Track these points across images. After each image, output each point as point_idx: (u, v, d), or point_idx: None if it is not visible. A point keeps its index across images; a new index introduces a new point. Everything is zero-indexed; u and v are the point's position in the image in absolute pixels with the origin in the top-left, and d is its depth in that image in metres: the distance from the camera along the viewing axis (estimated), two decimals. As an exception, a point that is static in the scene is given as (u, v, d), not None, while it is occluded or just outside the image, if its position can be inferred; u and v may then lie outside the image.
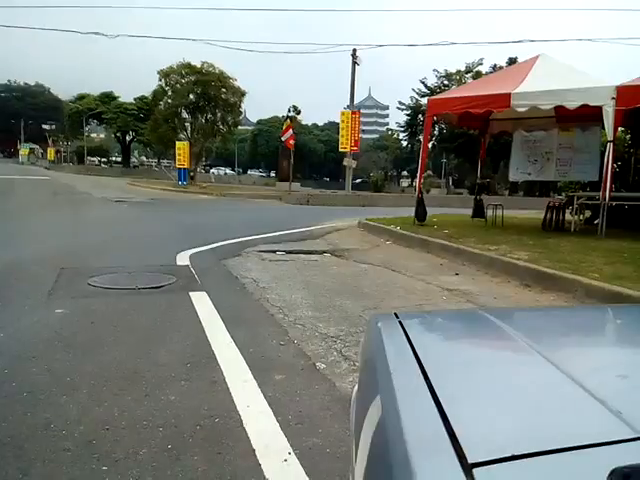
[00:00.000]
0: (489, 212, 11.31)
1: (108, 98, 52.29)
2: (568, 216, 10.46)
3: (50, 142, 61.55)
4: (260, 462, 2.17)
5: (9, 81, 75.66)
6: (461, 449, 0.59)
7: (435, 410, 0.69)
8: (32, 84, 75.94)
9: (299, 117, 55.52)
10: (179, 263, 6.48)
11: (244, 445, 2.30)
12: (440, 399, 0.72)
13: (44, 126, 64.83)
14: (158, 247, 7.79)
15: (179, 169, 29.38)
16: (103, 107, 50.80)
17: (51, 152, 58.68)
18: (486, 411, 0.74)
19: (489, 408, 0.76)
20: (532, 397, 0.79)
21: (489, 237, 8.55)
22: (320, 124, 74.04)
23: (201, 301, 4.70)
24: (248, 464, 2.16)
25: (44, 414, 2.48)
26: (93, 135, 71.95)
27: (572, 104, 8.30)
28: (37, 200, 16.06)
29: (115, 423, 2.42)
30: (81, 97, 54.08)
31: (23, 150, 63.22)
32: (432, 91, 35.31)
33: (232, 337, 3.72)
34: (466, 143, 32.51)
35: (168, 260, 6.59)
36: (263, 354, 3.44)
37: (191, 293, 4.95)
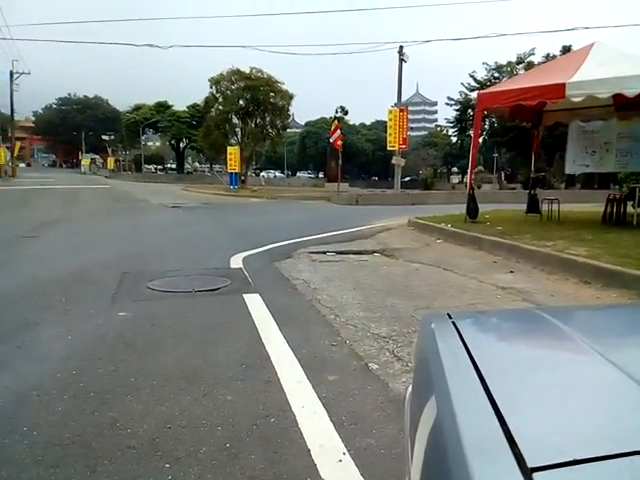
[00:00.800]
0: (544, 207, 10.91)
1: (163, 107, 54.08)
2: (630, 209, 9.94)
3: (110, 152, 64.39)
4: (315, 462, 2.20)
5: (70, 94, 79.69)
6: (520, 452, 0.58)
7: (492, 412, 0.69)
8: (91, 97, 79.70)
9: (346, 117, 55.54)
10: (233, 266, 6.63)
11: (299, 445, 2.33)
12: (497, 401, 0.71)
13: (103, 137, 67.86)
14: (212, 250, 8.00)
15: (230, 173, 29.98)
16: (158, 116, 52.59)
17: (111, 161, 61.34)
18: (545, 413, 0.73)
19: (548, 410, 0.74)
20: (593, 399, 0.77)
21: (545, 233, 8.25)
22: (367, 123, 73.66)
23: (254, 303, 4.80)
24: (304, 464, 2.19)
25: (110, 413, 2.60)
26: (149, 143, 74.67)
27: (631, 91, 7.88)
28: (100, 208, 16.84)
29: (176, 422, 2.52)
30: (137, 107, 56.22)
31: (85, 160, 66.38)
32: (482, 85, 34.39)
33: (285, 338, 3.78)
34: (518, 136, 31.44)
35: (222, 263, 6.75)
36: (316, 355, 3.47)
37: (245, 295, 5.06)
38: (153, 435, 2.39)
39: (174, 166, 71.40)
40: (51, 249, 8.03)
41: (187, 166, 74.21)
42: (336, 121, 32.16)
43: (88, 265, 6.44)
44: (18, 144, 51.68)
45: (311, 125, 67.58)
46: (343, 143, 28.56)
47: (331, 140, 27.95)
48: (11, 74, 44.32)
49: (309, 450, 2.29)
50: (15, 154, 47.54)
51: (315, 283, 5.67)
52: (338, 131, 27.21)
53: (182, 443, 2.33)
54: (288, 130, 44.21)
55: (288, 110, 34.39)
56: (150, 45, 25.50)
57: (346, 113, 54.21)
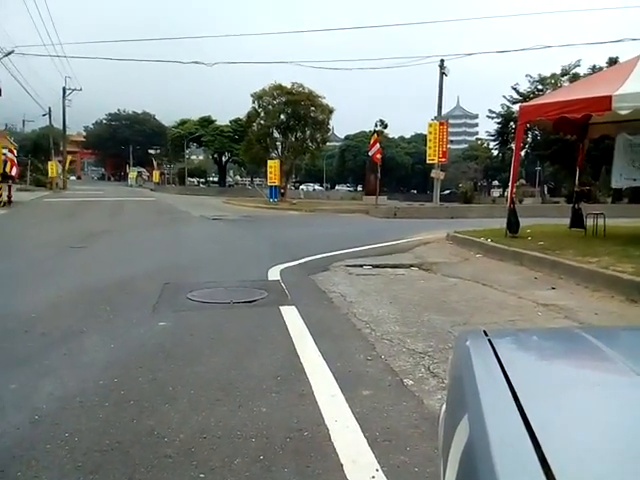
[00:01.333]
0: (589, 221, 10.55)
1: (206, 122, 55.40)
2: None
3: (155, 165, 66.31)
4: (348, 477, 2.19)
5: (119, 110, 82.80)
6: (553, 478, 0.57)
7: (525, 434, 0.67)
8: (140, 112, 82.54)
9: (386, 131, 55.46)
10: (270, 278, 6.69)
11: (332, 459, 2.33)
12: (531, 422, 0.70)
13: (150, 151, 70.17)
14: (251, 263, 8.11)
15: (270, 187, 30.36)
16: (202, 131, 53.88)
17: (156, 175, 63.16)
18: (581, 438, 0.71)
19: (584, 435, 0.72)
20: (634, 427, 0.74)
21: (589, 248, 7.97)
22: (407, 136, 73.30)
23: (291, 315, 4.83)
24: (336, 479, 2.18)
25: (148, 421, 2.66)
26: (193, 157, 76.57)
27: (681, 104, 7.57)
28: (144, 220, 17.36)
29: (212, 432, 2.56)
30: (182, 122, 57.81)
31: (131, 173, 68.66)
32: (524, 97, 33.71)
33: (320, 351, 3.78)
34: (562, 149, 30.58)
35: (260, 275, 6.83)
36: (350, 369, 3.46)
37: (281, 307, 5.10)
38: (189, 444, 2.43)
39: (216, 179, 72.82)
40: (97, 259, 8.32)
41: (229, 179, 75.63)
42: (375, 134, 32.14)
43: (131, 275, 6.64)
44: (69, 158, 53.95)
45: (350, 139, 67.79)
46: (382, 156, 28.50)
47: (370, 153, 27.93)
48: (64, 90, 46.51)
49: (342, 465, 2.28)
50: (66, 167, 49.63)
51: (351, 296, 5.66)
52: (377, 144, 27.17)
53: (217, 453, 2.36)
54: (328, 144, 44.49)
55: (328, 124, 34.61)
56: (196, 62, 26.28)
57: (385, 127, 54.19)
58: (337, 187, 73.77)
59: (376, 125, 51.20)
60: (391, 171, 57.58)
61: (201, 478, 2.17)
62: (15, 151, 25.43)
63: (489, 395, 0.83)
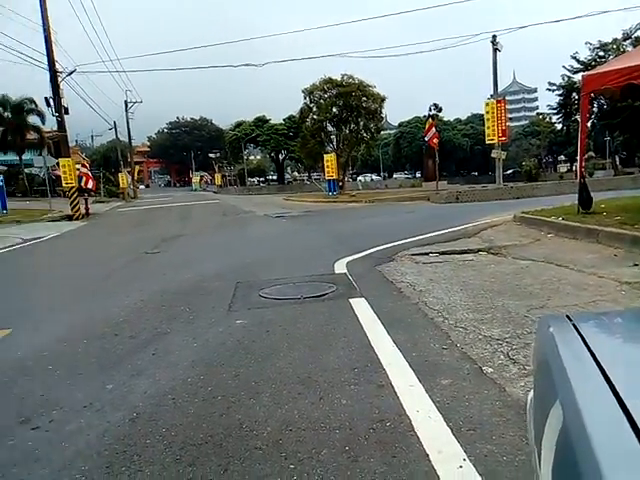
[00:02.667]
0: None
1: (261, 122, 56.42)
2: None
3: (216, 168, 68.36)
4: (435, 467, 2.20)
5: (178, 118, 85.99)
6: None
7: (624, 420, 0.67)
8: (197, 118, 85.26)
9: (441, 114, 54.14)
10: (337, 271, 6.76)
11: (417, 450, 2.35)
12: (629, 407, 0.70)
13: (210, 155, 72.36)
14: (316, 257, 8.21)
15: (328, 180, 30.51)
16: (258, 131, 54.97)
17: (218, 177, 65.09)
18: None
19: None
20: None
21: (675, 221, 7.46)
22: (463, 118, 71.07)
23: (361, 307, 4.87)
24: (423, 469, 2.21)
25: (236, 415, 2.80)
26: (251, 157, 78.16)
27: None
28: (211, 222, 17.96)
29: (296, 424, 2.65)
30: (238, 124, 59.15)
31: (195, 178, 71.10)
32: (586, 66, 31.86)
33: (394, 341, 3.80)
34: (632, 116, 28.63)
35: (327, 269, 6.91)
36: (426, 358, 3.46)
37: (351, 300, 5.15)
38: (276, 437, 2.54)
39: (275, 177, 74.03)
40: (172, 263, 8.71)
41: (287, 176, 76.63)
42: (430, 119, 31.51)
43: (205, 276, 6.92)
44: (137, 167, 56.64)
45: (404, 125, 66.64)
46: (439, 140, 27.89)
47: (426, 139, 27.44)
48: (126, 104, 48.82)
49: (427, 455, 2.30)
50: (135, 177, 52.19)
51: (420, 285, 5.62)
52: (433, 129, 26.64)
53: (303, 445, 2.45)
54: (382, 132, 44.06)
55: (381, 112, 34.26)
56: (247, 64, 26.73)
57: (440, 110, 52.92)
58: (395, 175, 72.86)
59: (430, 109, 50.15)
60: (449, 155, 56.19)
61: (291, 469, 2.26)
62: (88, 165, 27.01)
63: (580, 380, 0.83)
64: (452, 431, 2.47)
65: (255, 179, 75.54)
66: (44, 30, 21.01)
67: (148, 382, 3.32)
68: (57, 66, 21.69)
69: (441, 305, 4.75)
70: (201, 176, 71.88)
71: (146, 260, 9.15)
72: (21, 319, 5.18)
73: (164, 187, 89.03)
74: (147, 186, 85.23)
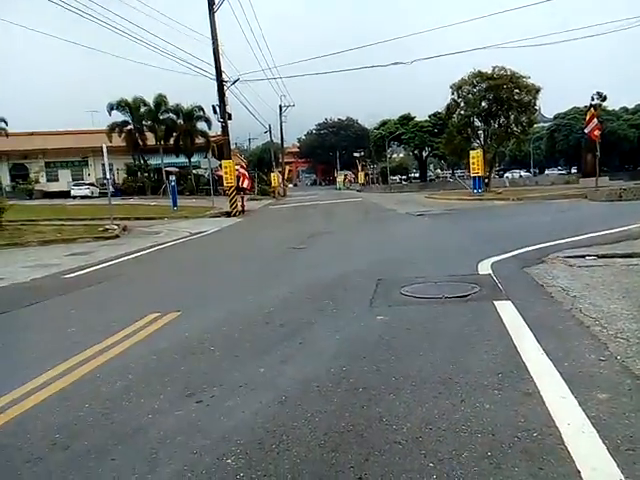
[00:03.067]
0: None
1: (406, 120, 56.14)
2: None
3: (360, 167, 69.53)
4: (587, 485, 2.06)
5: (326, 119, 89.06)
6: None
7: None
8: (344, 119, 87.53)
9: (604, 103, 48.78)
10: (481, 272, 6.52)
11: (567, 465, 2.22)
12: None
13: (355, 154, 73.74)
14: (459, 257, 7.99)
15: (473, 177, 29.28)
16: (402, 129, 54.81)
17: (361, 176, 66.18)
18: None
19: None
20: None
21: None
22: (630, 107, 62.98)
23: (506, 310, 4.66)
24: (574, 485, 2.07)
25: (377, 409, 2.88)
26: (394, 156, 78.12)
27: None
28: (353, 219, 18.40)
29: (437, 424, 2.65)
30: (383, 123, 59.54)
31: (339, 177, 73.10)
32: None
33: (543, 348, 3.59)
34: None
35: (470, 269, 6.70)
36: (581, 369, 3.21)
37: (496, 302, 4.95)
38: (416, 434, 2.56)
39: (417, 175, 73.06)
40: (317, 258, 9.13)
41: (429, 173, 75.22)
42: (592, 109, 28.55)
43: (347, 272, 7.14)
44: (287, 168, 60.05)
45: (561, 117, 61.10)
46: (601, 132, 25.17)
47: (586, 131, 24.93)
48: (280, 108, 52.02)
49: (579, 472, 2.15)
50: (285, 177, 55.41)
51: (574, 290, 5.19)
52: (595, 120, 24.12)
53: (444, 445, 2.44)
54: (534, 126, 40.97)
55: (534, 105, 31.90)
56: (395, 63, 26.86)
57: (604, 99, 47.67)
58: (547, 171, 67.21)
59: (592, 99, 45.45)
60: (612, 148, 50.23)
61: (430, 467, 2.27)
62: (245, 166, 29.33)
63: None
64: (608, 449, 2.28)
65: (397, 177, 75.28)
66: (213, 43, 23.23)
67: (295, 369, 3.56)
68: (223, 76, 23.85)
69: (599, 313, 4.35)
70: (345, 175, 73.61)
71: (294, 255, 9.69)
72: (188, 303, 5.85)
73: (310, 186, 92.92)
74: (295, 185, 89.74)
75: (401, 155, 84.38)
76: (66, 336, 4.80)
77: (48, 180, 45.50)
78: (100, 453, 2.58)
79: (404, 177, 78.44)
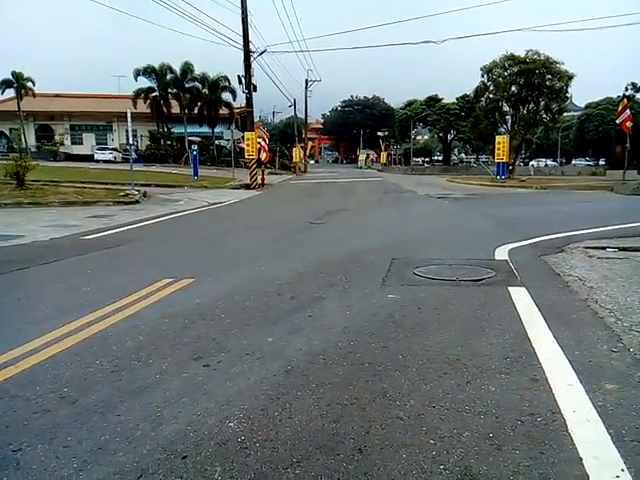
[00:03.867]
0: None
1: (433, 101, 55.26)
2: None
3: (383, 147, 68.93)
4: (588, 473, 2.05)
5: (352, 96, 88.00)
6: None
7: None
8: (370, 97, 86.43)
9: (638, 95, 47.24)
10: (497, 257, 6.44)
11: (569, 451, 2.20)
12: None
13: (378, 133, 73.07)
14: (476, 241, 7.90)
15: (498, 163, 28.79)
16: (428, 110, 54.00)
17: (383, 156, 65.58)
18: None
19: None
20: None
21: None
22: (665, 98, 60.81)
23: (520, 296, 4.61)
24: (574, 472, 2.06)
25: (381, 384, 2.88)
26: (418, 137, 77.07)
27: None
28: (372, 198, 18.28)
29: (440, 403, 2.64)
30: (409, 103, 58.69)
31: (361, 156, 72.53)
32: None
33: (554, 337, 3.55)
34: None
35: (486, 254, 6.62)
36: (591, 359, 3.17)
37: (510, 288, 4.90)
38: (419, 411, 2.56)
39: (440, 158, 72.16)
40: (332, 234, 9.11)
41: (453, 157, 74.18)
42: (625, 100, 27.69)
43: (362, 249, 7.11)
44: (310, 144, 59.70)
45: (592, 107, 59.39)
46: (633, 124, 24.46)
47: (618, 121, 24.31)
48: (306, 82, 51.41)
49: (581, 459, 2.14)
50: (307, 152, 55.10)
51: (592, 281, 5.11)
52: (627, 111, 23.47)
53: (445, 424, 2.44)
54: (564, 114, 39.96)
55: (566, 92, 31.09)
56: (426, 42, 26.22)
57: (638, 90, 46.12)
58: (574, 162, 65.66)
59: (626, 89, 44.01)
60: (643, 140, 48.79)
61: (431, 443, 2.27)
62: (267, 139, 29.22)
63: None
64: (612, 438, 2.26)
65: (420, 159, 74.40)
66: (242, 13, 22.93)
67: (303, 340, 3.57)
68: (250, 46, 23.61)
69: (615, 305, 4.27)
70: (367, 154, 72.98)
71: (310, 229, 9.68)
72: (202, 271, 5.89)
73: (332, 163, 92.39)
74: (317, 161, 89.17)
75: (425, 137, 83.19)
76: (81, 295, 4.88)
77: (72, 143, 45.87)
78: (106, 408, 2.63)
79: (427, 159, 77.50)
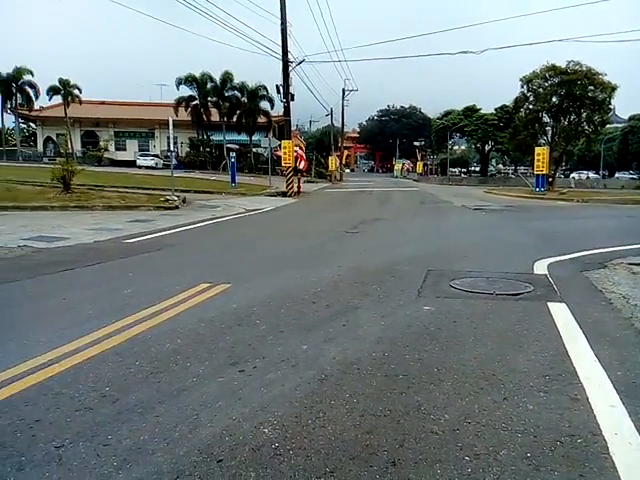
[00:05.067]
0: None
1: (470, 111, 54.66)
2: None
3: (419, 157, 68.41)
4: (630, 497, 1.98)
5: (388, 106, 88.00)
6: None
7: None
8: (407, 107, 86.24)
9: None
10: (537, 272, 6.30)
11: (610, 475, 2.14)
12: None
13: (415, 143, 72.61)
14: (514, 254, 7.75)
15: (537, 175, 28.11)
16: (466, 120, 53.44)
17: (419, 166, 65.16)
18: None
19: None
20: None
21: None
22: None
23: (560, 313, 4.50)
24: (615, 496, 2.00)
25: (415, 397, 2.86)
26: (455, 147, 76.24)
27: None
28: (408, 208, 18.19)
29: (476, 419, 2.60)
30: (447, 113, 58.23)
31: (397, 165, 72.28)
32: None
33: (596, 355, 3.45)
34: None
35: (524, 268, 6.49)
36: (634, 380, 3.07)
37: (549, 303, 4.79)
38: (454, 426, 2.53)
39: (477, 169, 71.15)
40: (368, 243, 9.10)
41: (490, 168, 72.99)
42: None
43: (397, 260, 7.08)
44: (345, 152, 59.87)
45: (636, 119, 57.48)
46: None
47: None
48: (343, 92, 51.72)
49: (622, 483, 2.07)
50: (343, 161, 55.25)
51: (636, 299, 4.95)
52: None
53: (481, 441, 2.40)
54: (607, 126, 38.76)
55: (609, 103, 30.16)
56: (464, 52, 26.05)
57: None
58: (617, 175, 63.52)
59: (676, 100, 42.34)
60: (694, 155, 46.81)
61: (466, 461, 2.24)
62: (304, 148, 29.47)
63: None
64: (656, 464, 2.18)
65: (457, 169, 73.51)
66: (282, 23, 23.30)
67: (337, 349, 3.58)
68: (288, 56, 23.93)
69: (662, 325, 4.12)
70: (403, 163, 72.61)
71: (345, 238, 9.69)
72: (238, 276, 5.99)
73: (367, 172, 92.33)
74: (352, 170, 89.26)
75: (462, 147, 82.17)
76: (122, 297, 5.03)
77: (116, 149, 47.33)
78: (145, 409, 2.71)
79: (464, 170, 76.51)
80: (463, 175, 68.65)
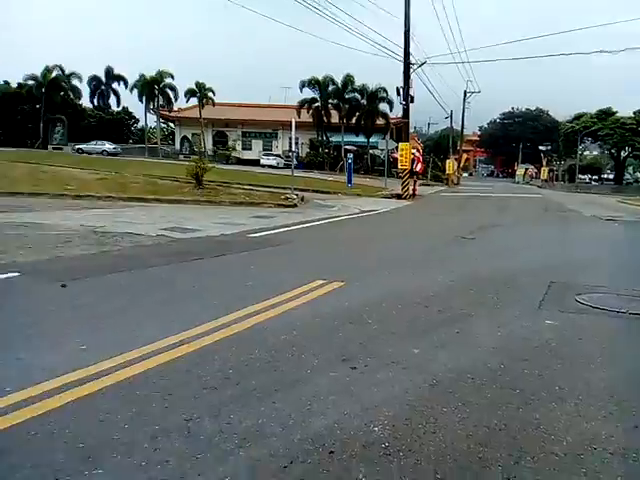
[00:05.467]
0: None
1: (605, 114, 50.27)
2: None
3: (544, 162, 64.08)
4: None
5: (513, 108, 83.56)
6: None
7: None
8: (533, 109, 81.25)
9: None
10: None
11: None
12: None
13: (540, 147, 68.24)
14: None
15: (687, 185, 25.10)
16: (599, 124, 49.27)
17: (544, 171, 61.02)
18: None
19: None
20: None
21: None
22: None
23: None
24: None
25: (534, 414, 2.72)
26: (586, 153, 70.37)
27: None
28: (529, 216, 17.14)
29: (602, 445, 2.42)
30: (578, 116, 54.15)
31: (519, 170, 68.29)
32: None
33: None
34: None
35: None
36: None
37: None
38: (577, 450, 2.37)
39: (611, 176, 65.10)
40: (484, 251, 8.75)
41: (626, 176, 66.28)
42: None
43: (516, 269, 6.74)
44: (464, 156, 57.93)
45: None
46: None
47: None
48: (465, 94, 50.07)
49: None
50: (461, 165, 53.53)
51: None
52: None
53: (608, 469, 2.24)
54: None
55: None
56: (599, 51, 24.01)
57: None
58: None
59: None
60: None
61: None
62: (421, 150, 29.04)
63: None
64: None
65: (586, 176, 67.79)
66: (405, 26, 23.15)
67: (449, 356, 3.52)
68: (410, 58, 23.73)
69: None
70: (526, 169, 68.44)
71: (461, 244, 9.41)
72: (352, 275, 6.08)
73: (486, 177, 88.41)
74: (470, 174, 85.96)
75: (594, 153, 75.48)
76: (244, 288, 5.36)
77: (243, 148, 50.18)
78: (263, 394, 2.88)
79: (595, 177, 70.39)
80: (594, 183, 63.21)
